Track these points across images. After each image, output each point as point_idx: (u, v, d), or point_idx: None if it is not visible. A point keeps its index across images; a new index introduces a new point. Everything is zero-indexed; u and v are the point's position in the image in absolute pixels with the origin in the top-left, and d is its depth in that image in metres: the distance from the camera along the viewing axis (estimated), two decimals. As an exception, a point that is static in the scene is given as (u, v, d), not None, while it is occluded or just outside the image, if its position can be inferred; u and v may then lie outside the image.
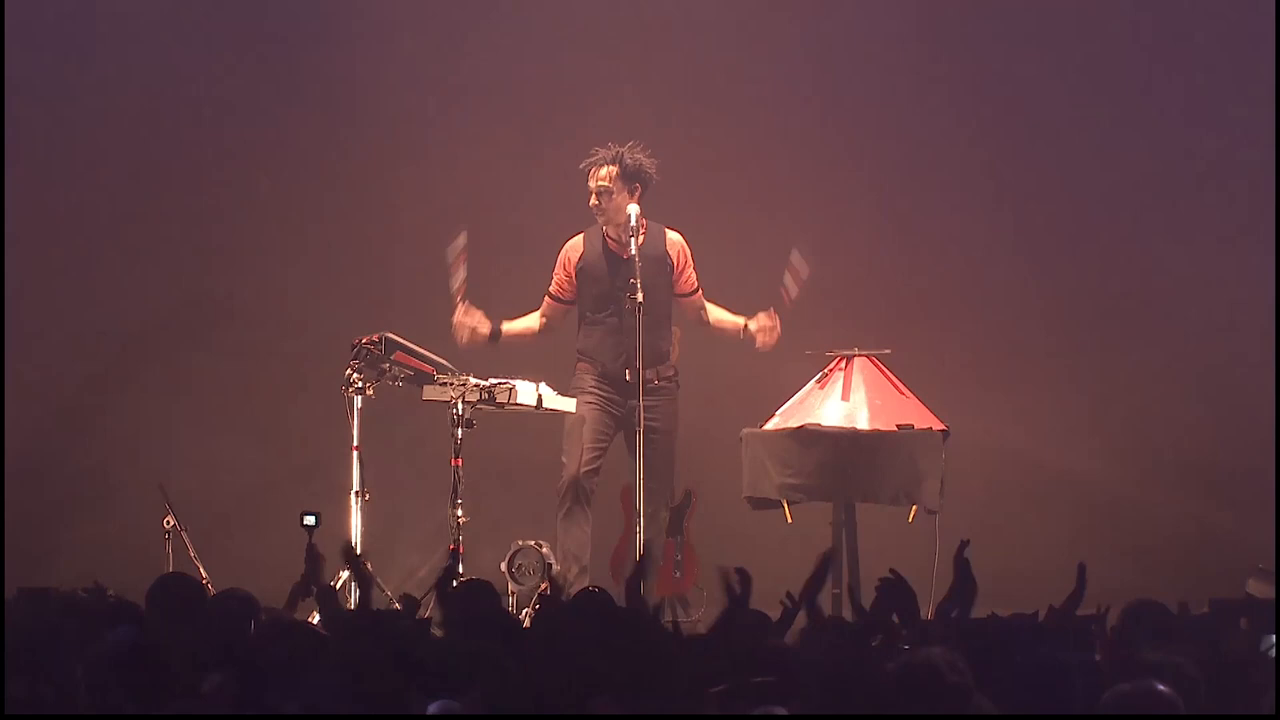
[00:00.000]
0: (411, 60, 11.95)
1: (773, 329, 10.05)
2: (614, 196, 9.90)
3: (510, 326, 10.14)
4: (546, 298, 10.16)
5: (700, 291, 10.15)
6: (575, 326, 10.10)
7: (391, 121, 11.93)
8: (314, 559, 7.14)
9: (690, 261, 10.09)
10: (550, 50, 11.91)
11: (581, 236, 10.08)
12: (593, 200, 9.93)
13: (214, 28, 11.92)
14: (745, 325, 10.10)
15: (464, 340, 10.01)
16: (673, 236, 10.07)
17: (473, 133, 11.89)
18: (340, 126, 11.91)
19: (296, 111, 11.94)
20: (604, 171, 9.90)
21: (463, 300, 9.99)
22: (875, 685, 4.88)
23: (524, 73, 11.93)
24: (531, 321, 10.17)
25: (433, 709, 4.80)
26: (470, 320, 10.02)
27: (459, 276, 9.96)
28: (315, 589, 6.81)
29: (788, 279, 10.01)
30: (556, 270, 10.10)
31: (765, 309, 10.07)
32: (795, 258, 10.00)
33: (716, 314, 10.21)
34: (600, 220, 9.95)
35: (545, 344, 10.37)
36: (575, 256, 10.05)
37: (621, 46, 11.90)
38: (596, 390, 9.91)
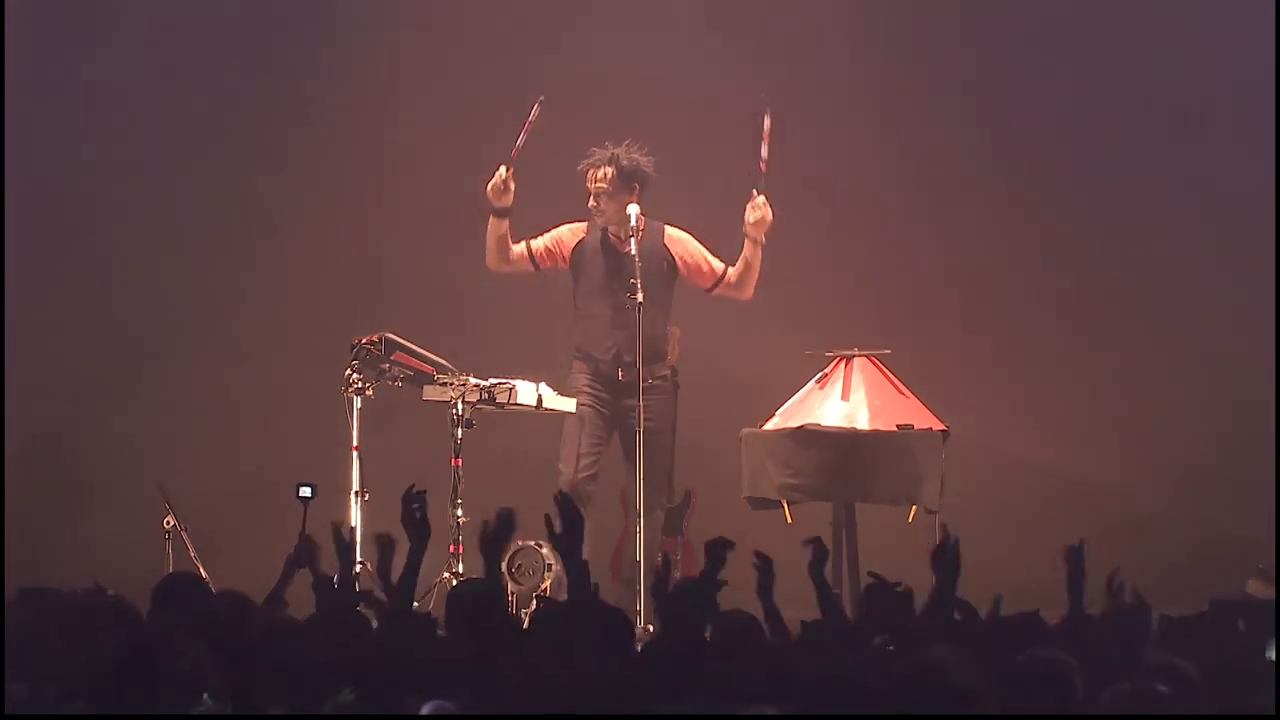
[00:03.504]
0: (411, 60, 11.95)
1: (762, 211, 9.95)
2: (612, 198, 9.89)
3: (506, 230, 9.96)
4: (525, 244, 10.02)
5: (728, 270, 10.07)
6: (568, 323, 10.06)
7: (392, 121, 11.94)
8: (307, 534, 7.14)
9: (703, 253, 10.04)
10: (550, 50, 11.90)
11: (584, 224, 10.05)
12: (590, 202, 9.92)
13: (214, 27, 11.92)
14: (747, 234, 9.99)
15: (495, 191, 9.86)
16: (672, 233, 10.04)
17: (472, 132, 11.87)
18: (340, 126, 11.91)
19: (296, 111, 11.94)
20: (601, 173, 9.89)
21: (510, 168, 9.85)
22: (872, 685, 4.87)
23: (523, 72, 11.92)
24: (509, 248, 10.00)
25: (427, 709, 4.80)
26: (505, 186, 9.86)
27: (521, 141, 9.81)
28: (307, 560, 6.82)
29: (763, 148, 9.93)
30: (549, 236, 10.02)
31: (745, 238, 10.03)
32: (766, 122, 9.92)
33: (734, 271, 10.08)
34: (600, 221, 9.95)
35: (545, 344, 10.36)
36: (573, 241, 10.01)
37: (622, 45, 11.90)
38: (589, 391, 9.89)
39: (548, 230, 10.08)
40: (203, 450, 11.71)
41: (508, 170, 9.88)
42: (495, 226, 9.96)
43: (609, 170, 9.88)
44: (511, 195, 9.89)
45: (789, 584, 10.81)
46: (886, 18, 11.95)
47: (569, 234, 10.03)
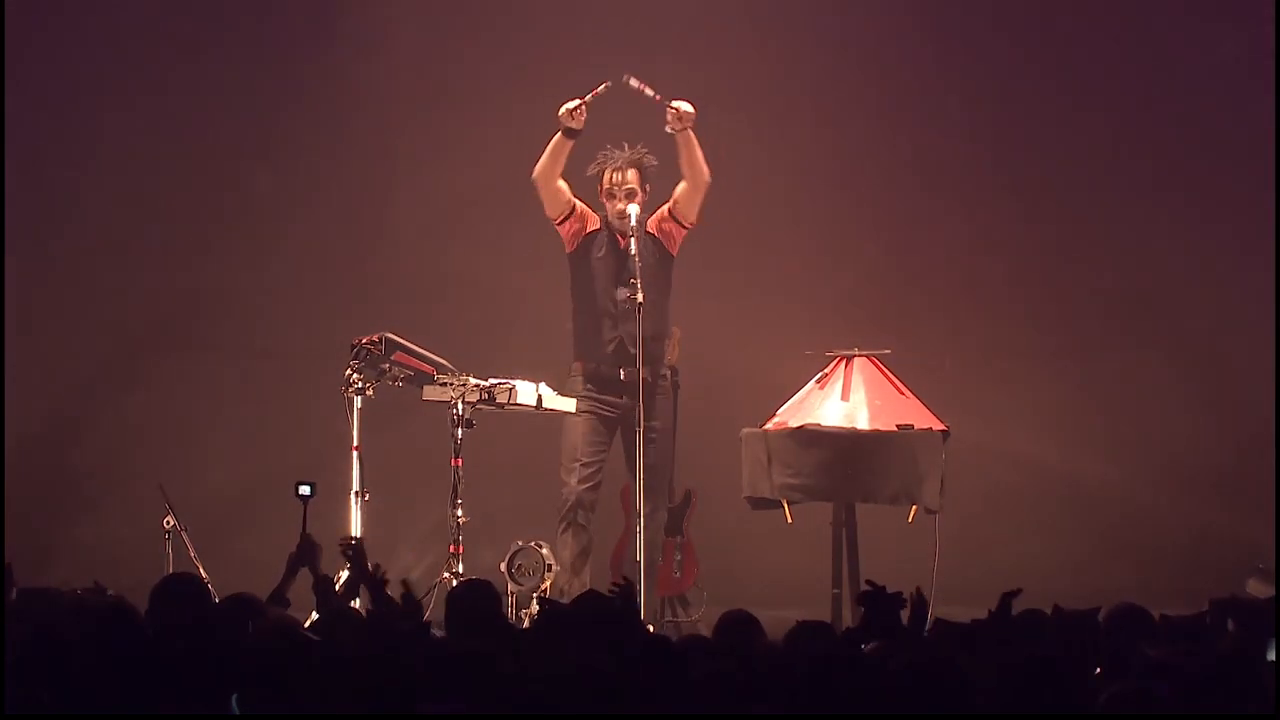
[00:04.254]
0: (411, 59, 11.95)
1: (681, 106, 9.79)
2: (632, 197, 9.86)
3: (566, 149, 9.79)
4: (572, 192, 9.92)
5: (674, 193, 9.94)
6: (568, 324, 10.05)
7: (391, 121, 11.94)
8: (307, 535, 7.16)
9: (661, 209, 9.95)
10: (549, 49, 11.91)
11: (597, 216, 10.00)
12: (619, 203, 9.81)
13: (213, 26, 11.92)
14: (678, 141, 9.83)
15: (566, 113, 9.72)
16: (652, 218, 9.98)
17: (472, 133, 11.89)
18: (340, 126, 11.92)
19: (296, 110, 11.95)
20: (630, 174, 9.87)
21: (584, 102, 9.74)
22: (866, 685, 4.88)
23: (522, 72, 11.93)
24: (558, 170, 9.86)
25: (429, 710, 4.80)
26: (572, 115, 9.72)
27: (589, 97, 9.70)
28: (308, 559, 6.84)
29: (647, 91, 9.76)
30: (583, 207, 9.91)
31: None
32: (633, 83, 9.75)
33: (685, 169, 9.91)
34: (618, 220, 9.83)
35: (545, 344, 10.37)
36: (590, 224, 9.96)
37: (622, 46, 11.88)
38: (590, 396, 9.88)
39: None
40: (203, 450, 11.72)
41: (579, 103, 9.73)
42: (560, 142, 9.81)
43: (634, 172, 9.86)
44: (581, 123, 9.74)
45: (789, 584, 10.85)
46: (885, 17, 11.96)
47: (589, 217, 10.00)
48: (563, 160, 9.85)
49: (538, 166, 9.89)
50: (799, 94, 11.96)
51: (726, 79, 11.92)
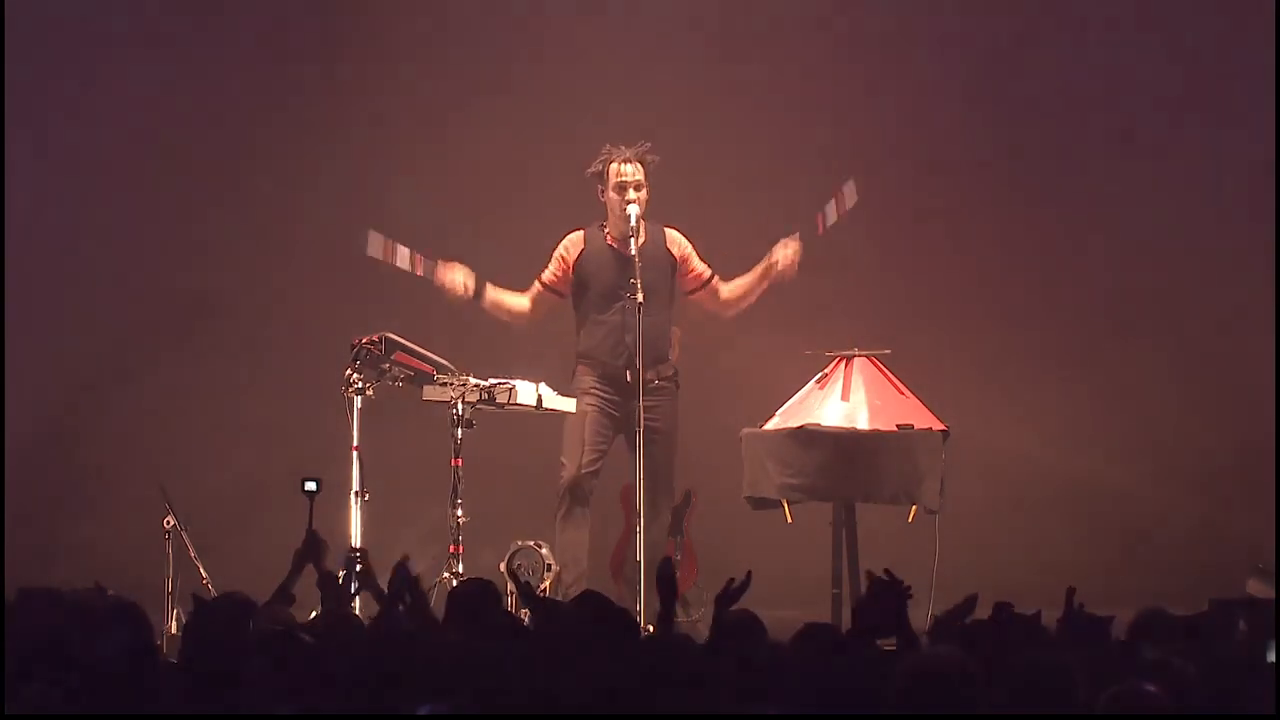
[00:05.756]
0: (410, 60, 11.95)
1: (794, 253, 9.96)
2: (639, 190, 9.89)
3: (496, 293, 10.03)
4: (538, 284, 10.04)
5: (715, 277, 10.10)
6: (568, 323, 10.07)
7: (391, 121, 11.94)
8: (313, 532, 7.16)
9: (694, 253, 10.07)
10: (549, 49, 11.92)
11: (581, 233, 10.05)
12: (630, 194, 9.84)
13: (211, 27, 11.92)
14: (768, 264, 9.98)
15: (454, 291, 9.93)
16: (672, 234, 10.06)
17: (472, 132, 11.89)
18: (340, 126, 11.91)
19: (296, 110, 11.95)
20: (631, 168, 9.89)
21: (425, 263, 9.95)
22: (866, 685, 4.88)
23: (522, 72, 11.94)
24: (520, 301, 10.07)
25: (424, 711, 4.80)
26: (451, 272, 9.95)
27: (402, 255, 9.90)
28: (314, 555, 6.84)
29: (830, 206, 9.96)
30: (553, 262, 10.05)
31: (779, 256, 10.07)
32: (848, 188, 9.95)
33: (732, 285, 10.10)
34: (624, 214, 9.85)
35: (545, 344, 10.37)
36: (576, 252, 10.02)
37: (622, 44, 11.91)
38: (596, 391, 9.90)
39: (549, 253, 10.05)
40: (203, 450, 11.71)
41: (441, 265, 10.00)
42: (489, 304, 10.05)
43: (639, 165, 9.89)
44: (470, 274, 9.98)
45: (789, 584, 10.85)
46: (886, 17, 11.95)
47: (571, 246, 10.02)
48: (512, 302, 10.08)
49: (518, 326, 10.11)
50: (798, 93, 11.95)
51: (726, 77, 11.92)
